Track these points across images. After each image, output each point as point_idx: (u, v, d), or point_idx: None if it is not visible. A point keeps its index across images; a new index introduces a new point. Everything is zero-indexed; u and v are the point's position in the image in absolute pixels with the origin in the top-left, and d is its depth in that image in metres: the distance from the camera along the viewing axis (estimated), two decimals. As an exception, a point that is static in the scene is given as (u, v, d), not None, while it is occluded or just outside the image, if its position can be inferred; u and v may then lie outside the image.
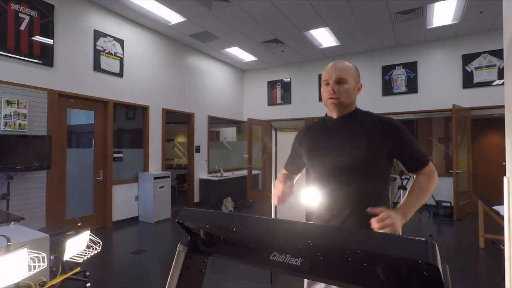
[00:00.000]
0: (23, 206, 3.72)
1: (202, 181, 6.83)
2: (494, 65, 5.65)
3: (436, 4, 4.71)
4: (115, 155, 5.02)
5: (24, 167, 3.61)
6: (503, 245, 1.50)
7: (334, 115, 1.28)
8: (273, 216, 2.94)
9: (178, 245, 0.84)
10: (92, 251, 1.72)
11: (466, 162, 5.76)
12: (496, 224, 3.42)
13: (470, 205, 5.64)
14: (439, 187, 6.13)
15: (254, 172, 7.60)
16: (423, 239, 0.47)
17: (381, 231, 1.00)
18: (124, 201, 5.14)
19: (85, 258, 1.66)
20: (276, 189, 1.27)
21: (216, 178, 6.70)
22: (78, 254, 1.63)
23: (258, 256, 0.70)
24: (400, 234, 1.13)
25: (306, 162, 1.37)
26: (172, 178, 7.50)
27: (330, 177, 1.25)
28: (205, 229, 0.78)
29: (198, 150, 6.83)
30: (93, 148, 4.77)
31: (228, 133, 9.08)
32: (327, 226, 0.56)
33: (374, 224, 1.01)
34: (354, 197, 1.20)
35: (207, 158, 7.12)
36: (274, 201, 1.28)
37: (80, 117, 4.74)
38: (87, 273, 2.91)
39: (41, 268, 1.25)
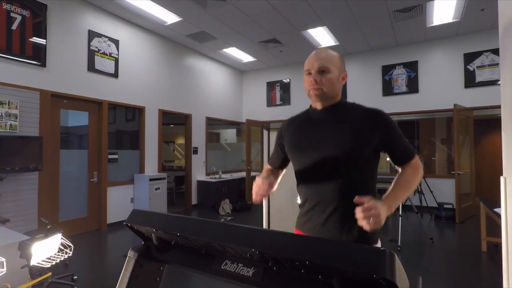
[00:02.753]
0: (14, 208, 3.67)
1: (199, 183, 6.75)
2: (497, 64, 5.52)
3: (436, 2, 4.61)
4: (110, 156, 4.96)
5: (15, 168, 3.56)
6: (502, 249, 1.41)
7: (318, 106, 1.22)
8: (265, 219, 2.86)
9: (129, 251, 0.76)
10: (63, 255, 1.64)
11: (468, 163, 5.63)
12: (498, 227, 3.29)
13: (473, 207, 5.50)
14: (441, 189, 5.99)
15: (253, 173, 7.50)
16: (381, 248, 0.38)
17: (365, 221, 0.94)
18: (119, 203, 5.07)
19: (54, 263, 1.58)
20: (255, 184, 1.20)
21: (214, 180, 6.62)
22: (48, 258, 1.55)
23: (210, 264, 0.62)
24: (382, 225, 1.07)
25: (288, 155, 1.30)
26: (171, 180, 7.45)
27: (313, 171, 1.18)
28: (155, 234, 0.70)
29: (195, 152, 6.76)
30: (87, 149, 4.71)
31: (228, 135, 9.00)
32: (275, 232, 0.48)
33: (359, 213, 0.94)
34: (339, 191, 1.12)
35: (205, 159, 7.04)
36: (254, 198, 1.22)
37: (76, 118, 4.68)
38: (75, 277, 2.84)
39: (0, 274, 1.17)
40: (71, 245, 1.70)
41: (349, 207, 1.08)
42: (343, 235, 1.12)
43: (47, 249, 1.54)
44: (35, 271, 1.67)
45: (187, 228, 0.56)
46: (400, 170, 1.20)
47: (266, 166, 1.47)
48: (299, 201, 1.29)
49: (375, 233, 1.14)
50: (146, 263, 0.73)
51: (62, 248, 1.62)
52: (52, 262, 1.57)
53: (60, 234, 1.63)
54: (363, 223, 0.94)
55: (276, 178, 1.33)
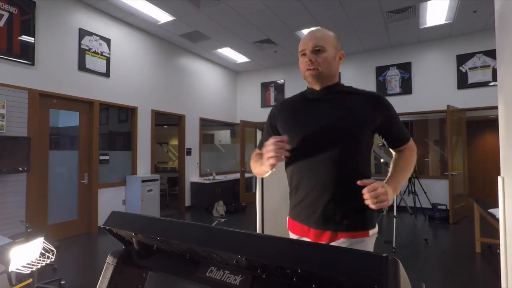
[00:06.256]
0: (0, 211, 3.55)
1: (193, 184, 6.67)
2: (489, 66, 5.57)
3: (429, 3, 4.63)
4: (101, 157, 4.86)
5: (2, 170, 3.44)
6: (500, 250, 1.39)
7: (316, 87, 1.17)
8: (258, 220, 2.80)
9: (108, 256, 0.70)
10: (44, 260, 1.56)
11: (461, 164, 5.65)
12: (492, 228, 3.29)
13: (466, 208, 5.53)
14: (435, 190, 6.01)
15: (247, 175, 7.45)
16: (384, 255, 0.34)
17: (373, 202, 0.95)
18: (111, 205, 4.96)
19: (34, 269, 1.50)
20: (268, 148, 1.01)
21: (207, 182, 6.54)
22: (28, 263, 1.47)
23: (194, 271, 0.56)
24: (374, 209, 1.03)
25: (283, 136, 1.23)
26: (164, 181, 7.35)
27: (310, 152, 1.12)
28: (136, 238, 0.65)
29: (189, 153, 6.68)
30: (77, 150, 4.60)
31: (222, 136, 8.94)
32: (264, 236, 0.43)
33: (366, 194, 0.95)
34: (337, 174, 1.08)
35: (199, 161, 6.96)
36: (270, 161, 1.02)
37: (66, 119, 4.57)
38: (62, 282, 2.75)
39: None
40: (53, 249, 1.62)
41: (347, 190, 1.07)
42: (343, 219, 1.09)
43: (28, 254, 1.46)
44: (15, 277, 1.58)
45: (167, 232, 0.51)
46: (394, 153, 1.24)
47: (255, 151, 1.33)
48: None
49: (374, 216, 1.13)
50: (126, 270, 0.68)
51: (44, 252, 1.55)
52: (32, 268, 1.49)
53: (42, 238, 1.55)
54: (369, 202, 0.95)
55: None
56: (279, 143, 1.01)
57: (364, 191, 0.95)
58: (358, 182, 0.98)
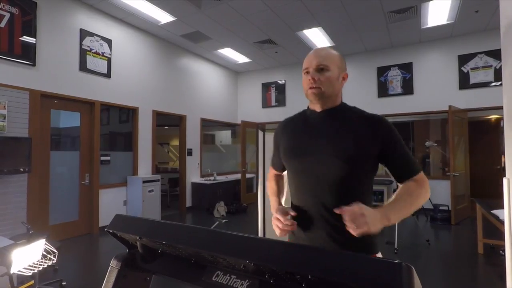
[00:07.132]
0: (1, 212, 3.55)
1: (194, 185, 6.67)
2: (491, 66, 5.56)
3: (431, 3, 4.62)
4: (102, 158, 4.85)
5: (3, 170, 3.44)
6: (503, 251, 1.38)
7: (317, 107, 1.14)
8: (260, 222, 2.80)
9: (112, 260, 0.69)
10: (46, 262, 1.55)
11: (463, 164, 5.64)
12: (495, 229, 3.28)
13: (468, 208, 5.51)
14: (437, 190, 5.99)
15: (248, 175, 7.44)
16: (397, 261, 0.33)
17: (352, 227, 0.89)
18: (112, 205, 4.96)
19: (36, 271, 1.50)
20: (276, 221, 1.10)
21: (208, 182, 6.54)
22: (30, 265, 1.46)
23: (200, 275, 0.56)
24: (375, 234, 0.98)
25: (283, 160, 1.21)
26: (165, 182, 7.35)
27: (309, 180, 1.10)
28: (140, 241, 0.64)
29: (190, 153, 6.68)
30: (78, 150, 4.60)
31: (223, 136, 8.93)
32: (273, 241, 0.42)
33: (346, 219, 0.90)
34: (335, 203, 1.02)
35: (200, 161, 6.96)
36: (279, 234, 1.13)
37: (68, 119, 4.57)
38: (63, 283, 2.75)
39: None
40: (55, 251, 1.61)
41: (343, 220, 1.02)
42: (342, 246, 1.05)
43: (29, 256, 1.45)
44: (17, 279, 1.57)
45: (173, 236, 0.51)
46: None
47: (270, 170, 1.39)
48: (292, 212, 1.20)
49: (374, 243, 1.07)
50: (130, 274, 0.67)
51: (46, 254, 1.54)
52: (34, 270, 1.48)
53: (44, 239, 1.54)
54: (349, 228, 0.90)
55: (283, 181, 1.32)
56: (283, 224, 1.07)
57: (345, 217, 0.91)
58: (336, 211, 0.93)
